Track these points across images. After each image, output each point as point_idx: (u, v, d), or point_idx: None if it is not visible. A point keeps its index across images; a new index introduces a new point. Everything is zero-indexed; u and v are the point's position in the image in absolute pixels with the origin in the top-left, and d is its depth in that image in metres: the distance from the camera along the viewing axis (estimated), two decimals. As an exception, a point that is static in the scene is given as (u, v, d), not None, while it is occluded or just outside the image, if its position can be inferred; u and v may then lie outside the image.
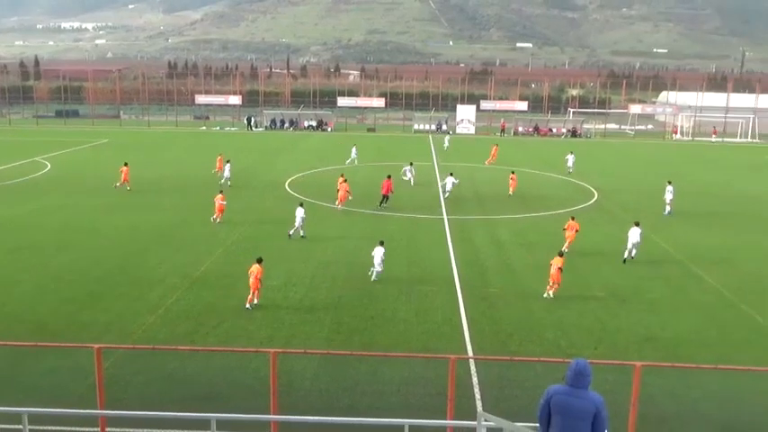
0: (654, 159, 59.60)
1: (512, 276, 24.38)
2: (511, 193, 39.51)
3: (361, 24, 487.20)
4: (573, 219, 27.65)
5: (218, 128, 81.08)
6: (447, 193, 38.06)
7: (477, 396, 15.13)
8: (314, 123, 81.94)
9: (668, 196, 35.95)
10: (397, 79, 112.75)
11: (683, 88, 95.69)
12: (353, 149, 52.03)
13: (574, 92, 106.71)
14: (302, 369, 16.24)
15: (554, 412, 8.49)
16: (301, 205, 29.66)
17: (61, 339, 17.73)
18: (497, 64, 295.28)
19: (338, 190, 35.30)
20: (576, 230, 26.99)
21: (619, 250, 26.59)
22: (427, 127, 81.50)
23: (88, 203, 35.75)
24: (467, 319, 19.95)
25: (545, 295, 22.00)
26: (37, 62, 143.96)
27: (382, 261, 23.44)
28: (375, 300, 21.50)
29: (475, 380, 15.83)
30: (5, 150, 57.80)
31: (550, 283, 21.99)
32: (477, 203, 37.68)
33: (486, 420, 9.84)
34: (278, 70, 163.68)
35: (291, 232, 29.15)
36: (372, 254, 23.66)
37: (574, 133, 79.84)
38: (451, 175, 38.97)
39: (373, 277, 23.44)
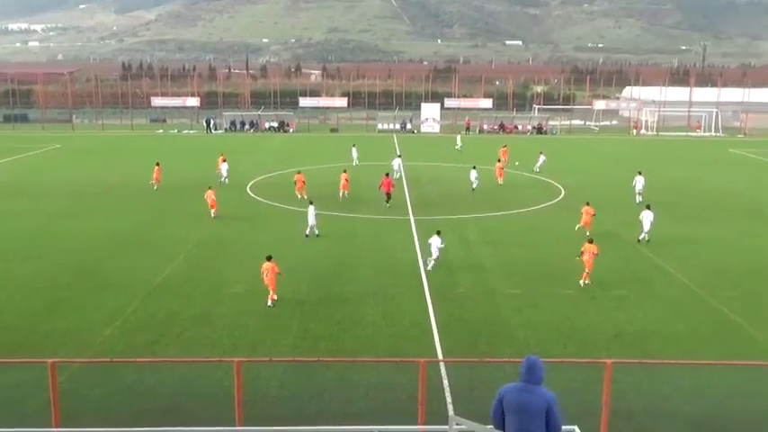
0: (620, 155, 60.55)
1: (480, 275, 24.52)
2: (501, 182, 42.39)
3: (321, 23, 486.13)
4: (590, 242, 23.69)
5: (175, 131, 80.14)
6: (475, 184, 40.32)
7: (449, 399, 15.17)
8: (275, 124, 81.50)
9: (638, 186, 36.97)
10: (360, 78, 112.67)
11: (646, 83, 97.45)
12: (354, 150, 51.04)
13: (538, 88, 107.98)
14: (268, 377, 16.10)
15: (507, 411, 8.55)
16: (311, 203, 30.32)
17: (23, 351, 17.31)
18: (461, 61, 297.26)
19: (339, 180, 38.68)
20: (595, 254, 23.17)
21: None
22: (391, 126, 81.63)
23: (45, 210, 34.99)
24: (436, 320, 20.01)
25: (581, 283, 23.07)
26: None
27: (439, 249, 24.66)
28: (342, 304, 21.45)
29: (446, 383, 15.87)
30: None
31: (587, 271, 23.04)
32: (443, 203, 37.84)
33: (457, 424, 9.86)
34: (237, 71, 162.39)
35: (308, 232, 29.72)
36: (429, 242, 24.91)
37: (539, 130, 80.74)
38: (474, 169, 41.15)
39: (429, 266, 24.65)
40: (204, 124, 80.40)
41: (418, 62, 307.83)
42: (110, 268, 25.04)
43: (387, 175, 37.43)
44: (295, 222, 32.68)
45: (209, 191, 33.81)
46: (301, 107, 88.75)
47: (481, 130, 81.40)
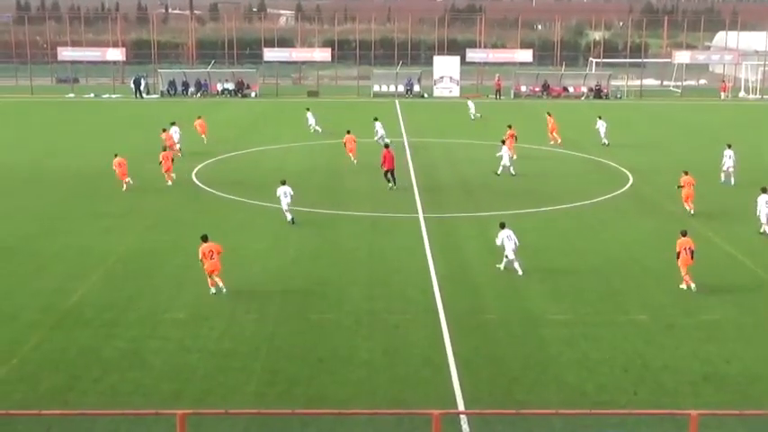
0: (711, 127, 60.71)
1: (515, 296, 24.60)
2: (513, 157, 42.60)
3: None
4: (684, 234, 25.29)
5: (92, 95, 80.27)
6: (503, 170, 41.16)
7: (472, 466, 15.28)
8: (231, 86, 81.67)
9: (727, 162, 37.40)
10: (348, 21, 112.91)
11: (746, 27, 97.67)
12: (378, 125, 50.25)
13: (597, 35, 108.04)
14: (223, 437, 16.22)
15: None
16: (284, 183, 32.37)
17: None
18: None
19: (345, 144, 43.89)
20: (692, 250, 24.74)
21: (667, 253, 26.97)
22: (392, 88, 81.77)
23: None
24: (455, 357, 20.07)
25: (685, 287, 24.44)
26: None
27: (516, 247, 26.05)
28: (324, 335, 21.52)
29: (468, 444, 15.98)
30: None
31: (684, 273, 24.39)
32: (463, 195, 37.92)
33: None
34: (177, 11, 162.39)
35: (290, 217, 32.15)
36: (498, 242, 26.33)
37: (598, 93, 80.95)
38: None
39: (503, 267, 26.25)
40: (132, 86, 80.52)
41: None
42: None
43: (387, 147, 38.53)
44: (258, 222, 32.77)
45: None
46: (267, 62, 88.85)
47: (518, 93, 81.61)
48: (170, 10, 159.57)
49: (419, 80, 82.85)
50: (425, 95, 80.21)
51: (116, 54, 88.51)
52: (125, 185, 37.96)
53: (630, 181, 40.69)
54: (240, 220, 33.24)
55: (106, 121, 61.53)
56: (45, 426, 16.27)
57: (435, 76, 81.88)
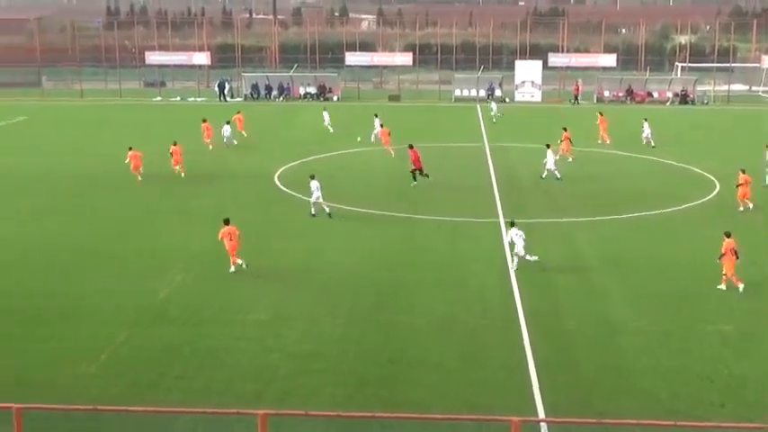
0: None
1: (595, 302, 24.45)
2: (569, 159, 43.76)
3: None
4: (728, 236, 25.64)
5: (178, 98, 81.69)
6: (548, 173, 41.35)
7: (551, 474, 15.20)
8: (313, 90, 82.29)
9: None
10: (430, 26, 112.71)
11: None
12: (376, 121, 52.73)
13: (683, 39, 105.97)
14: (302, 437, 16.44)
15: None
16: (313, 178, 33.99)
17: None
18: (572, 1, 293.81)
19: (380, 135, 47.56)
20: (735, 252, 25.26)
21: (751, 263, 26.42)
22: (473, 93, 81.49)
23: (1, 206, 36.24)
24: (534, 363, 20.05)
25: (724, 287, 24.91)
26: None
27: (526, 243, 26.80)
28: (400, 337, 21.66)
29: (546, 451, 15.92)
30: None
31: (725, 274, 24.92)
32: (543, 200, 37.65)
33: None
34: (261, 16, 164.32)
35: (314, 211, 33.74)
36: (508, 240, 27.52)
37: (684, 98, 79.41)
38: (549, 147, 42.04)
39: (515, 266, 26.88)
40: (216, 89, 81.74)
41: (511, 2, 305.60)
42: (84, 288, 25.77)
43: (411, 147, 40.34)
44: (338, 224, 33.03)
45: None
46: (348, 66, 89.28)
47: (600, 98, 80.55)
48: (254, 15, 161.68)
49: (500, 85, 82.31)
50: (507, 100, 79.70)
51: (201, 58, 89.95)
52: (139, 177, 41.14)
53: (717, 188, 39.87)
54: (320, 222, 33.52)
55: (191, 124, 62.51)
56: (133, 422, 16.68)
57: (517, 81, 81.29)
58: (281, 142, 52.98)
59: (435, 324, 22.65)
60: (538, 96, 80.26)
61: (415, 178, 39.48)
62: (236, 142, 51.54)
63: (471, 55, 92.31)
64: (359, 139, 51.76)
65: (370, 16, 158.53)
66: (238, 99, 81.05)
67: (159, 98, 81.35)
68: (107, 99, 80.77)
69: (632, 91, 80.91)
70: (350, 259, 28.57)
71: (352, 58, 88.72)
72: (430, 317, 23.17)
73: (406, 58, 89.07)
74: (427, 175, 39.42)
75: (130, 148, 42.45)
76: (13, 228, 32.97)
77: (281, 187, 40.15)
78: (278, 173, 43.16)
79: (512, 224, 27.51)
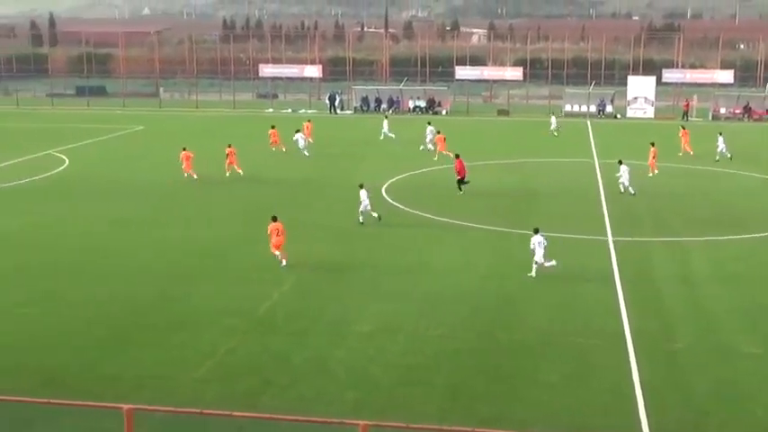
0: None
1: (708, 325, 23.80)
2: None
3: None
4: None
5: (289, 110, 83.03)
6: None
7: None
8: (422, 104, 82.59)
9: None
10: (541, 40, 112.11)
11: None
12: (429, 130, 54.75)
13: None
14: (404, 450, 16.38)
15: None
16: (361, 187, 35.13)
17: (79, 396, 18.59)
18: (688, 15, 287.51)
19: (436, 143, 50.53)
20: None
21: None
22: (584, 108, 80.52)
23: (116, 214, 37.41)
24: (641, 386, 19.59)
25: None
26: (52, 22, 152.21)
27: (545, 249, 27.29)
28: (508, 354, 21.46)
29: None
30: (12, 140, 61.35)
31: None
32: (655, 219, 36.88)
33: None
34: (372, 29, 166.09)
35: (362, 219, 34.68)
36: (531, 247, 27.46)
37: (804, 116, 76.70)
38: (621, 163, 41.90)
39: (534, 274, 27.30)
40: (327, 102, 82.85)
41: (625, 17, 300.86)
42: (195, 294, 26.37)
43: (458, 156, 41.95)
44: (446, 239, 32.98)
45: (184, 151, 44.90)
46: (458, 80, 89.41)
47: (716, 115, 78.45)
48: (366, 28, 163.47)
49: (612, 100, 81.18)
50: (618, 116, 78.47)
51: (313, 71, 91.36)
52: (186, 175, 44.27)
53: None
54: (428, 235, 33.55)
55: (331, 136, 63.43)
56: (236, 427, 16.94)
57: (629, 97, 80.00)
58: (389, 155, 53.27)
59: (541, 341, 22.38)
60: (650, 112, 78.78)
61: (460, 188, 40.88)
62: (307, 153, 52.37)
63: (583, 70, 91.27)
64: (435, 158, 51.48)
65: (480, 30, 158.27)
66: (348, 112, 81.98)
67: (271, 110, 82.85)
68: (221, 110, 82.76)
69: (750, 108, 78.59)
70: (456, 273, 28.49)
71: (462, 72, 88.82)
72: (536, 334, 22.92)
73: (516, 73, 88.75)
74: (467, 182, 41.10)
75: (184, 149, 45.68)
76: (119, 232, 34.06)
77: (389, 200, 40.33)
78: (385, 185, 43.38)
79: (536, 231, 27.93)
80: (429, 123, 57.29)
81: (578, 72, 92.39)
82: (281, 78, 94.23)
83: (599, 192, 41.89)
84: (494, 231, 34.10)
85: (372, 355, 21.46)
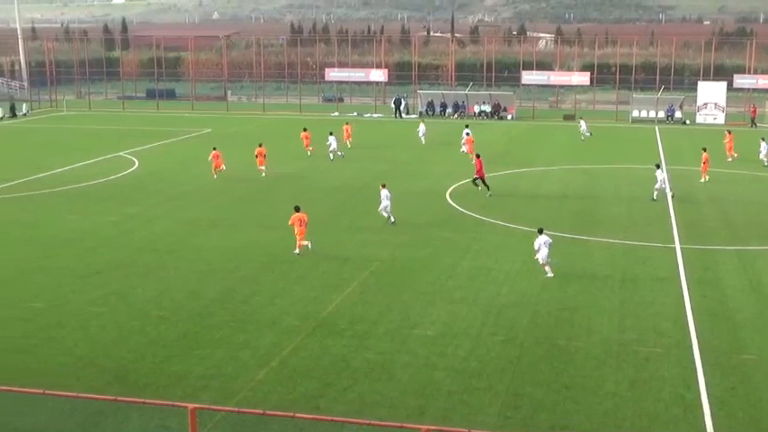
0: None
1: (779, 338, 23.24)
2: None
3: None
4: None
5: (355, 114, 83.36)
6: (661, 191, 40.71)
7: None
8: (488, 108, 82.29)
9: None
10: (609, 45, 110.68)
11: None
12: (466, 132, 56.77)
13: None
14: (464, 456, 16.31)
15: None
16: (384, 186, 35.84)
17: (146, 393, 18.92)
18: (761, 20, 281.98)
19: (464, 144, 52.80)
20: None
21: None
22: (652, 114, 79.44)
23: (184, 215, 37.99)
24: (708, 398, 19.27)
25: None
26: (124, 27, 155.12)
27: (550, 248, 27.98)
28: (572, 363, 21.25)
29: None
30: (84, 142, 62.80)
31: None
32: (724, 227, 36.21)
33: None
34: (438, 34, 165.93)
35: (393, 219, 35.55)
36: (536, 247, 28.11)
37: None
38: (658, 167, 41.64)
39: (551, 273, 28.01)
40: (392, 106, 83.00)
41: (695, 22, 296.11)
42: (259, 296, 26.63)
43: (479, 156, 42.97)
44: (509, 244, 32.81)
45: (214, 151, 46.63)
46: (524, 84, 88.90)
47: (788, 122, 76.82)
48: (432, 33, 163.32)
49: (681, 106, 79.94)
50: (687, 122, 77.25)
51: (379, 75, 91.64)
52: (215, 175, 46.03)
53: None
54: (491, 241, 33.41)
55: (368, 139, 63.68)
56: (297, 429, 17.06)
57: (699, 103, 78.64)
58: (455, 159, 53.18)
59: (604, 349, 22.13)
60: (721, 118, 77.32)
61: (476, 185, 42.16)
62: (341, 154, 53.38)
63: (651, 75, 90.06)
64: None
65: (547, 35, 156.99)
66: (413, 116, 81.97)
67: (337, 113, 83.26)
68: (287, 113, 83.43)
69: (824, 115, 76.76)
70: (518, 278, 28.32)
71: (528, 77, 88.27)
72: (598, 341, 22.67)
73: (583, 78, 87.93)
74: (478, 185, 41.87)
75: (214, 148, 47.55)
76: (187, 233, 34.54)
77: (453, 204, 40.27)
78: (450, 190, 43.32)
79: (540, 231, 28.62)
80: (467, 126, 59.11)
81: (647, 77, 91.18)
82: (346, 82, 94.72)
83: (666, 199, 41.25)
84: (556, 237, 33.72)
85: (434, 360, 21.42)
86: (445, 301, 25.87)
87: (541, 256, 28.08)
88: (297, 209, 31.26)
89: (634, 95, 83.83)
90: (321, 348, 22.16)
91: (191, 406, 13.03)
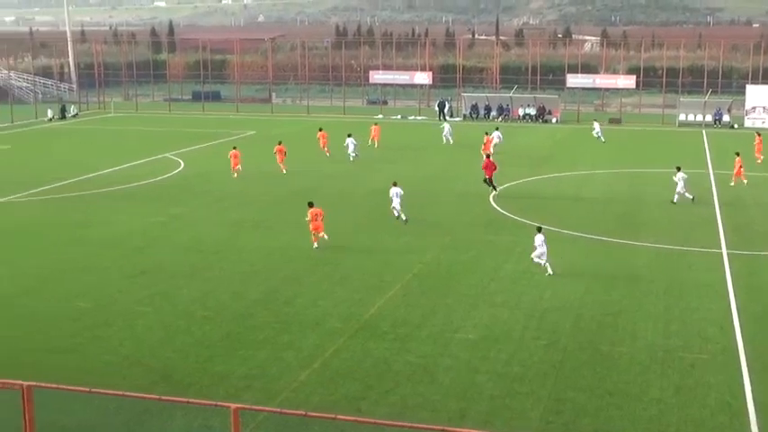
0: None
1: (828, 346, 22.85)
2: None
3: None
4: None
5: (398, 116, 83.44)
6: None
7: None
8: (532, 112, 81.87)
9: None
10: (656, 48, 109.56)
11: None
12: (496, 134, 58.53)
13: None
14: (506, 461, 16.28)
15: None
16: (395, 184, 36.65)
17: (190, 393, 19.09)
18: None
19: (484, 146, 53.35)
20: None
21: None
22: (699, 117, 78.51)
23: (228, 217, 38.27)
24: (755, 406, 19.01)
25: None
26: (171, 29, 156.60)
27: (545, 248, 28.69)
28: (615, 368, 21.08)
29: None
30: (131, 144, 63.58)
31: None
32: (774, 233, 35.77)
33: None
34: (483, 36, 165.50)
35: (404, 217, 36.06)
36: (535, 244, 28.80)
37: None
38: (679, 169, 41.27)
39: (550, 271, 28.47)
40: (436, 108, 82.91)
41: (744, 24, 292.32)
42: (302, 297, 26.75)
43: (489, 156, 44.75)
44: (552, 248, 32.60)
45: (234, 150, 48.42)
46: (570, 88, 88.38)
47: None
48: (476, 36, 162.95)
49: (729, 110, 78.90)
50: (735, 126, 76.26)
51: (423, 78, 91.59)
52: (236, 174, 47.42)
53: None
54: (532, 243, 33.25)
55: (411, 141, 63.69)
56: (338, 430, 17.10)
57: (747, 106, 77.59)
58: (499, 163, 52.92)
59: (648, 355, 21.92)
60: (769, 122, 76.22)
61: (494, 187, 42.55)
62: (355, 154, 53.62)
63: (698, 78, 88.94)
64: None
65: (593, 38, 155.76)
66: (457, 119, 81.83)
67: (380, 116, 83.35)
68: (331, 115, 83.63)
69: None
70: (561, 282, 28.14)
71: (573, 80, 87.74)
72: (642, 347, 22.47)
73: (628, 81, 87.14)
74: (493, 186, 42.44)
75: (234, 148, 49.37)
76: (230, 235, 34.80)
77: (496, 207, 40.13)
78: (493, 193, 43.15)
79: (539, 229, 29.30)
80: (497, 129, 60.74)
81: (694, 80, 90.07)
82: (390, 85, 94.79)
83: (713, 203, 40.79)
84: (600, 241, 33.59)
85: (476, 364, 21.37)
86: (487, 305, 25.81)
87: (536, 253, 28.89)
88: (311, 204, 32.31)
89: (681, 99, 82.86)
90: (363, 350, 22.22)
91: (233, 406, 13.12)
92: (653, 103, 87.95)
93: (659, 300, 26.52)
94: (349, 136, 54.09)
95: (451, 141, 61.84)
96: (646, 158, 55.86)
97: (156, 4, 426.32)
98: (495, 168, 42.70)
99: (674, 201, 40.32)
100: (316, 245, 31.91)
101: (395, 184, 36.72)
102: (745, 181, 44.62)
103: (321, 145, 55.84)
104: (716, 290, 27.53)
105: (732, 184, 44.87)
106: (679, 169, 41.14)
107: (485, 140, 55.06)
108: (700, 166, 52.04)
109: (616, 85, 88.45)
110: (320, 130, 57.27)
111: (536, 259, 28.88)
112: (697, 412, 18.72)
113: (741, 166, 45.27)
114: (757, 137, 55.05)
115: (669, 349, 22.34)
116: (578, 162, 54.31)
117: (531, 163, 53.53)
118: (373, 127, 61.63)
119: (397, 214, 36.36)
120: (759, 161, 52.68)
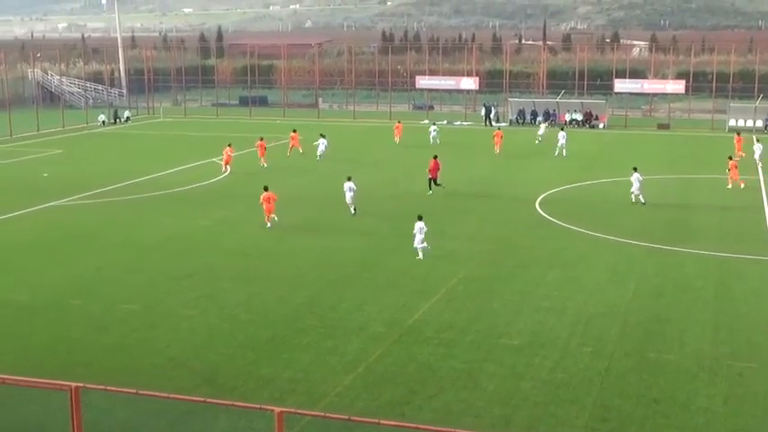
0: None
1: None
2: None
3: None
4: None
5: (444, 122, 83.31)
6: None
7: None
8: (579, 117, 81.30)
9: None
10: (706, 52, 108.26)
11: None
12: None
13: None
14: (550, 468, 16.14)
15: None
16: (349, 179, 38.76)
17: (234, 395, 19.20)
18: None
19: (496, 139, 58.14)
20: None
21: None
22: (750, 123, 77.39)
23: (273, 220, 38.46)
24: (805, 416, 18.61)
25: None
26: (220, 35, 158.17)
27: (424, 237, 30.53)
28: (662, 376, 20.83)
29: None
30: (179, 148, 64.24)
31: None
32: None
33: None
34: (530, 41, 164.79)
35: (353, 211, 38.57)
36: (414, 231, 30.59)
37: None
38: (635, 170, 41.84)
39: (420, 256, 30.24)
40: (482, 114, 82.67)
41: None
42: (347, 302, 26.78)
43: (435, 157, 44.82)
44: (599, 254, 32.38)
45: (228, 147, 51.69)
46: (617, 93, 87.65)
47: None
48: (523, 41, 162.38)
49: (779, 114, 77.71)
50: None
51: (469, 83, 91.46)
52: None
53: None
54: (580, 250, 32.98)
55: (454, 148, 63.58)
56: (382, 434, 17.09)
57: (798, 111, 76.43)
58: (546, 168, 52.71)
59: (695, 363, 21.65)
60: (822, 128, 74.93)
61: (430, 187, 43.87)
62: (321, 154, 56.03)
63: (749, 83, 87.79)
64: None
65: (642, 42, 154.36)
66: (504, 124, 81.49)
67: (426, 121, 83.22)
68: (377, 121, 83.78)
69: None
70: (607, 289, 27.90)
71: (620, 85, 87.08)
72: (690, 355, 22.18)
73: (677, 86, 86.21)
74: (439, 185, 43.75)
75: (229, 145, 52.65)
76: (275, 238, 34.95)
77: (542, 213, 39.89)
78: (539, 198, 42.93)
79: (419, 218, 31.49)
80: (434, 123, 66.06)
81: (744, 85, 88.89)
82: (437, 90, 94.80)
83: (764, 210, 40.17)
84: (647, 247, 33.22)
85: (521, 370, 21.25)
86: (532, 310, 25.64)
87: (416, 241, 31.06)
88: (266, 188, 36.23)
89: (731, 104, 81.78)
90: (407, 356, 22.19)
91: (278, 409, 13.18)
92: (702, 109, 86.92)
93: (707, 306, 26.17)
94: (322, 137, 57.00)
95: (438, 142, 62.92)
96: (694, 164, 55.20)
97: (205, 10, 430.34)
98: (440, 169, 44.20)
99: (633, 201, 41.42)
100: (268, 225, 35.92)
101: (349, 179, 38.84)
102: (741, 185, 44.98)
103: (291, 145, 58.64)
104: (765, 298, 27.11)
105: (728, 186, 45.57)
106: (635, 170, 41.55)
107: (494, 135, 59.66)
108: (750, 173, 51.28)
109: (665, 90, 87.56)
110: (294, 131, 59.98)
111: (418, 246, 31.03)
112: (745, 422, 18.44)
113: (735, 167, 46.03)
114: (737, 136, 57.07)
115: (717, 357, 22.04)
116: (626, 167, 53.64)
117: (578, 167, 53.13)
118: (397, 124, 65.06)
119: (353, 211, 38.66)
120: (742, 154, 53.85)
